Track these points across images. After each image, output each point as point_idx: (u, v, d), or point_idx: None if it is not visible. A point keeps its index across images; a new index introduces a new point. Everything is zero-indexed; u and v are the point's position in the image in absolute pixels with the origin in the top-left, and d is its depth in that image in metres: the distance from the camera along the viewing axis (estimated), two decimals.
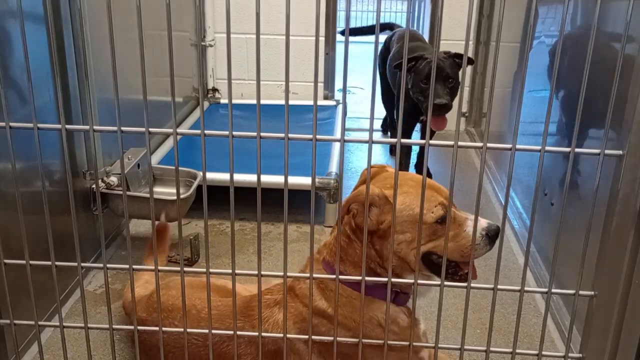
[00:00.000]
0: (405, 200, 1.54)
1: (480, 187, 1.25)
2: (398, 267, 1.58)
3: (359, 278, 1.38)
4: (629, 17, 1.10)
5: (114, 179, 2.60)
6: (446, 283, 1.34)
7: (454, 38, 4.29)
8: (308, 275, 1.37)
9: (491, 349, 1.38)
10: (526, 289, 1.35)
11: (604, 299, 1.29)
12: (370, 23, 9.02)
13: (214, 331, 1.44)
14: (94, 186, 2.58)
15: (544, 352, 1.38)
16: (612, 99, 1.15)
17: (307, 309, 1.61)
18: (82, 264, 1.37)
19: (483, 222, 1.57)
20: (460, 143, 1.20)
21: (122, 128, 1.22)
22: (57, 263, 1.36)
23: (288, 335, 1.51)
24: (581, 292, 1.30)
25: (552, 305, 2.36)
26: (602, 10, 1.94)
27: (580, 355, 1.36)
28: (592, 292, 1.30)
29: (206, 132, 1.22)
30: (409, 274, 1.59)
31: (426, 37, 5.04)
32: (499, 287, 1.36)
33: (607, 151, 1.17)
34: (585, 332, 1.35)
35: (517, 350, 1.38)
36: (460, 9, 4.23)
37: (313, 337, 1.39)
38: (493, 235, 1.56)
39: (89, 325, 1.43)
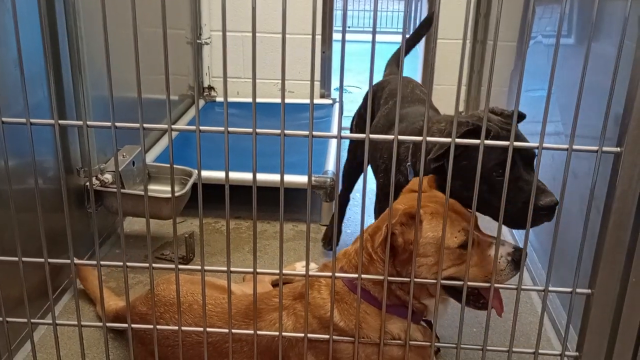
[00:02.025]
0: (432, 222, 1.51)
1: (476, 186, 1.24)
2: (417, 290, 1.56)
3: (355, 276, 1.37)
4: (627, 13, 1.09)
5: (108, 177, 2.58)
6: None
7: (451, 37, 4.28)
8: (304, 273, 1.36)
9: (487, 347, 1.37)
10: (523, 287, 1.34)
11: (600, 297, 1.29)
12: (367, 22, 9.02)
13: (209, 329, 1.43)
14: (88, 183, 2.57)
15: (540, 351, 1.38)
16: (611, 97, 1.15)
17: (317, 320, 1.59)
18: (75, 261, 1.36)
19: (509, 247, 1.53)
20: (457, 140, 1.20)
21: (116, 124, 1.21)
22: (49, 260, 1.35)
23: (284, 334, 1.50)
24: (578, 291, 1.30)
25: (549, 304, 2.36)
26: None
27: (577, 353, 1.36)
28: (589, 291, 1.30)
29: (201, 128, 1.21)
30: (427, 297, 1.57)
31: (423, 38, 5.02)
32: (495, 285, 1.35)
33: (604, 148, 1.17)
34: (581, 330, 1.34)
35: (514, 349, 1.37)
36: (457, 8, 4.22)
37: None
38: (519, 260, 1.50)
39: (82, 322, 1.42)
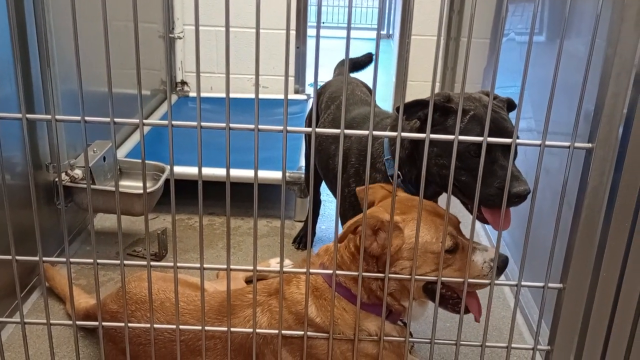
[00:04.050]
0: (415, 229, 1.48)
1: (450, 183, 1.25)
2: (398, 292, 1.55)
3: (330, 272, 1.37)
4: (598, 11, 1.10)
5: (78, 172, 2.54)
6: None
7: (425, 34, 4.31)
8: (279, 270, 1.35)
9: (461, 342, 1.38)
10: (496, 281, 1.36)
11: (572, 292, 1.30)
12: (342, 18, 9.02)
13: (182, 327, 1.41)
14: (57, 179, 2.52)
15: (513, 345, 1.39)
16: (582, 94, 1.16)
17: (293, 316, 1.58)
18: (44, 259, 1.33)
19: (492, 253, 1.52)
20: (432, 135, 1.20)
21: (86, 118, 1.18)
22: (17, 258, 1.32)
23: (258, 331, 1.49)
24: (550, 285, 1.31)
25: (521, 299, 2.39)
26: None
27: (549, 347, 1.38)
28: (561, 285, 1.31)
29: (174, 122, 1.19)
30: (406, 298, 1.55)
31: (397, 33, 5.03)
32: (469, 280, 1.36)
33: (576, 144, 1.18)
34: (553, 324, 1.36)
35: (487, 344, 1.38)
36: (432, 5, 4.25)
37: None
38: (501, 267, 1.51)
39: (52, 321, 1.39)
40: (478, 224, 3.07)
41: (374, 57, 2.82)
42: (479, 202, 1.62)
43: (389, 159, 1.88)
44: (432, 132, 1.57)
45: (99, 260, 1.33)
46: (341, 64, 2.82)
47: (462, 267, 1.51)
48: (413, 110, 1.68)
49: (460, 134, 1.42)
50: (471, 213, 1.63)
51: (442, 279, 1.36)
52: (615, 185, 1.19)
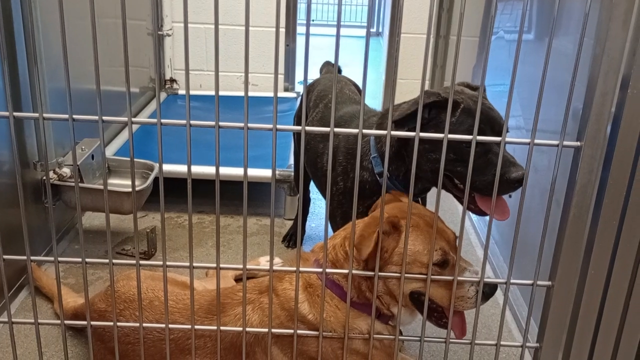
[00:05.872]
0: (411, 236, 1.49)
1: (440, 180, 1.25)
2: (386, 296, 1.55)
3: (320, 270, 1.37)
4: (587, 10, 1.11)
5: (66, 171, 2.52)
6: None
7: (415, 32, 4.31)
8: (268, 268, 1.35)
9: (450, 339, 1.39)
10: (485, 279, 1.36)
11: (560, 289, 1.31)
12: (331, 16, 9.02)
13: (171, 325, 1.41)
14: (45, 177, 2.50)
15: (502, 342, 1.40)
16: (571, 92, 1.16)
17: (285, 312, 1.58)
18: (32, 258, 1.32)
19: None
20: (421, 134, 1.20)
21: (74, 116, 1.18)
22: (4, 256, 1.31)
23: (248, 329, 1.49)
24: (539, 283, 1.32)
25: (510, 296, 2.40)
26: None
27: (537, 344, 1.38)
28: (549, 283, 1.32)
29: (163, 120, 1.18)
30: (394, 304, 1.56)
31: (386, 31, 5.03)
32: (458, 278, 1.37)
33: (565, 142, 1.19)
34: (542, 322, 1.37)
35: (476, 341, 1.39)
36: (421, 3, 4.26)
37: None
38: (488, 293, 1.49)
39: (40, 320, 1.38)
40: (468, 223, 3.09)
41: (341, 69, 2.85)
42: (475, 192, 1.67)
43: (375, 156, 1.88)
44: (426, 128, 1.63)
45: (87, 259, 1.32)
46: (326, 64, 2.82)
47: (449, 284, 1.49)
48: (407, 121, 1.66)
49: (453, 127, 1.59)
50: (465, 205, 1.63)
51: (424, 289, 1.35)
52: (603, 183, 1.20)
